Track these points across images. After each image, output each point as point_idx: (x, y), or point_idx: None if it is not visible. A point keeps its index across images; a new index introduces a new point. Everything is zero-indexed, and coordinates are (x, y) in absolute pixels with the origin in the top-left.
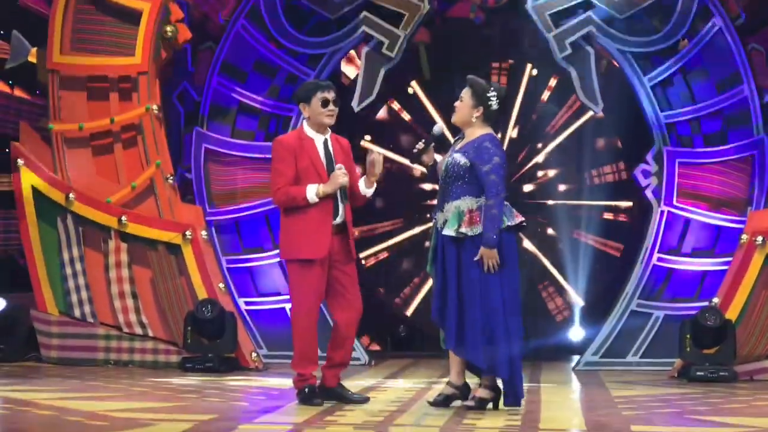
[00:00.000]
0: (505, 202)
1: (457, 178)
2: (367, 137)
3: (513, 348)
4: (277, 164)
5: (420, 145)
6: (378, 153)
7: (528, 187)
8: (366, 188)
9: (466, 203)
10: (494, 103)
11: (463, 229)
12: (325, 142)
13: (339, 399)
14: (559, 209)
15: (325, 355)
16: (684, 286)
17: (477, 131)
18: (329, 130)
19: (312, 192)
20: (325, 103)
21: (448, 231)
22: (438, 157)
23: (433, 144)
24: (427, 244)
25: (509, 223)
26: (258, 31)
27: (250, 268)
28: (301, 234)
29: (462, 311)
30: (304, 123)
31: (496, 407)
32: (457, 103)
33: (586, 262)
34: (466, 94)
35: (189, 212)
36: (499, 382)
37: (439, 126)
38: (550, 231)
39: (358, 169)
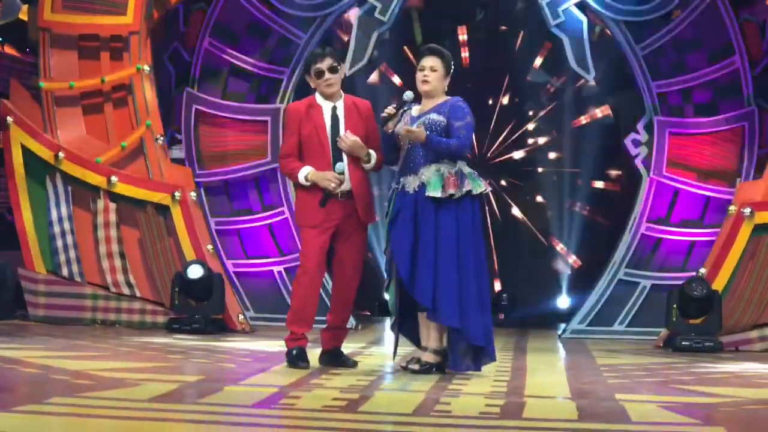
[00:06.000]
0: (472, 170)
1: None
2: None
3: (485, 313)
4: (284, 132)
5: (390, 110)
6: (346, 137)
7: (518, 155)
8: (365, 165)
9: (445, 166)
10: (451, 70)
11: (451, 191)
12: (334, 109)
13: (330, 362)
14: (549, 177)
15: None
16: (672, 256)
17: (441, 97)
18: (341, 95)
19: (302, 175)
20: (318, 74)
21: (434, 192)
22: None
23: (402, 111)
24: None
25: (479, 191)
26: None
27: (238, 230)
28: (302, 201)
29: (438, 274)
30: (317, 90)
31: (441, 371)
32: (428, 73)
33: (574, 230)
34: (438, 64)
35: (178, 173)
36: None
37: (410, 93)
38: (539, 198)
39: None
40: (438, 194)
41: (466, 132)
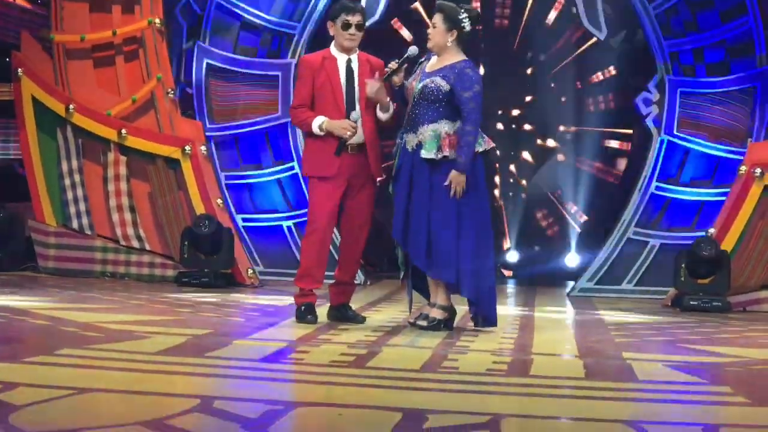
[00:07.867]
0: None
1: (435, 101)
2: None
3: (483, 270)
4: (297, 83)
5: (393, 64)
6: (374, 82)
7: (528, 113)
8: (381, 113)
9: (443, 127)
10: (467, 25)
11: (446, 152)
12: (348, 62)
13: (338, 317)
14: (559, 135)
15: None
16: (681, 216)
17: (454, 56)
18: (356, 50)
19: (316, 124)
20: (345, 26)
21: (428, 154)
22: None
23: (406, 65)
24: None
25: (481, 149)
26: None
27: (248, 184)
28: (314, 151)
29: (431, 233)
30: (333, 42)
31: (449, 328)
32: (429, 30)
33: (584, 189)
34: (438, 19)
35: (189, 127)
36: (469, 307)
37: (414, 48)
38: (549, 157)
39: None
40: (432, 156)
41: (475, 104)
